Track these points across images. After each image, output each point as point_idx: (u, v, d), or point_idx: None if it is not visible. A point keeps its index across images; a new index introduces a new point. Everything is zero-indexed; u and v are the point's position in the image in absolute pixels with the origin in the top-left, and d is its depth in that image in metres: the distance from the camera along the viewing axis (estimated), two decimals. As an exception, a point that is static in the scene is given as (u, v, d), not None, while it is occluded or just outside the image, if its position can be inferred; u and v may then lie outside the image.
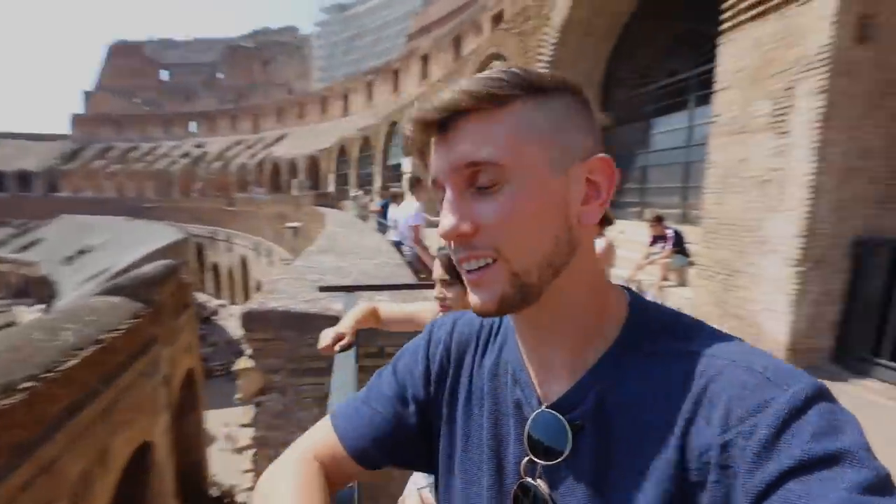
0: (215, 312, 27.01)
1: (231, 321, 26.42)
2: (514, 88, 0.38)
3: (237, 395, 1.98)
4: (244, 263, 26.06)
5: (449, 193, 0.40)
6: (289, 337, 2.00)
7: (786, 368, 0.35)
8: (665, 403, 0.37)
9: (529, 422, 0.44)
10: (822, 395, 0.33)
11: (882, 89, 4.07)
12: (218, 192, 33.36)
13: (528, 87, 0.39)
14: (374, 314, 1.38)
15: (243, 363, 2.04)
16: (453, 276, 1.21)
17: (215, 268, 29.27)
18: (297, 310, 1.98)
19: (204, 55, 52.61)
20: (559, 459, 0.41)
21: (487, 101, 0.38)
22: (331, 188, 24.22)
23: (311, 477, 0.49)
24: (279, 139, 36.15)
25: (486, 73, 0.40)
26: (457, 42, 21.52)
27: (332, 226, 6.21)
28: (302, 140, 32.98)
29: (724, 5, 4.89)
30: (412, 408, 0.52)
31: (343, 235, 5.13)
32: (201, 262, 29.08)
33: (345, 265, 3.25)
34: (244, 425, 2.01)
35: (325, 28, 49.24)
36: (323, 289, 1.89)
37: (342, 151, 25.03)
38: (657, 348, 0.40)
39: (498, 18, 18.18)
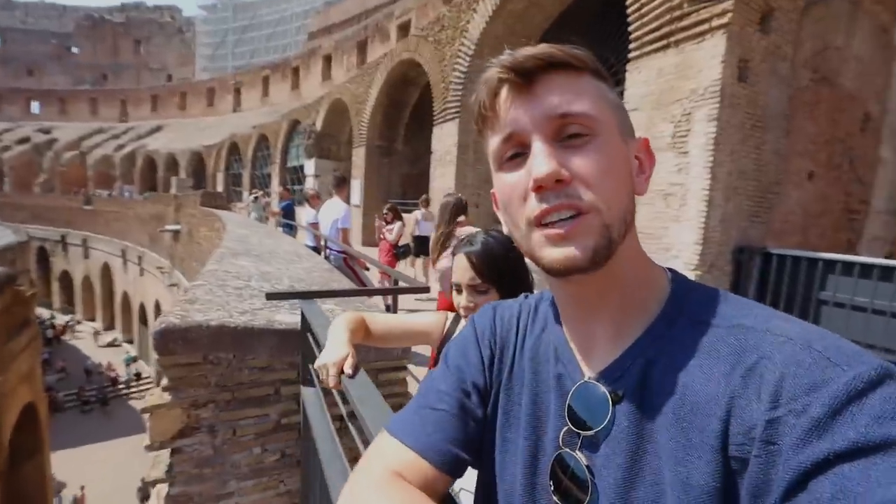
0: (64, 331, 22.53)
1: (87, 341, 22.28)
2: (588, 60, 0.42)
3: (146, 443, 1.48)
4: (107, 272, 22.23)
5: (539, 142, 0.40)
6: (223, 359, 1.56)
7: (849, 349, 0.32)
8: (711, 376, 0.36)
9: (571, 393, 0.44)
10: (891, 379, 0.30)
11: (753, 122, 4.82)
12: (71, 187, 27.98)
13: (594, 64, 0.43)
14: (363, 326, 1.09)
15: (155, 398, 1.54)
16: (490, 277, 1.00)
17: (65, 277, 24.62)
18: (235, 324, 1.56)
19: (52, 23, 43.98)
20: (598, 429, 0.41)
21: (574, 62, 0.41)
22: (220, 188, 21.91)
23: (416, 499, 0.43)
24: (154, 131, 31.68)
25: (552, 45, 0.41)
26: (362, 46, 21.21)
27: (235, 228, 5.44)
28: (183, 133, 29.35)
29: (632, 36, 5.43)
30: (475, 398, 0.50)
31: (254, 238, 4.50)
32: (46, 271, 24.26)
33: (271, 270, 2.77)
34: (154, 481, 1.51)
35: (214, 14, 44.66)
36: (272, 296, 1.50)
37: (234, 149, 22.76)
38: (704, 318, 0.39)
39: (405, 27, 18.30)
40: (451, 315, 1.16)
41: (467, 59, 8.61)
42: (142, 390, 17.40)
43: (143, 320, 19.04)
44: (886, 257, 5.11)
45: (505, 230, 0.47)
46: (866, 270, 3.64)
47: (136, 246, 18.95)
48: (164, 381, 1.54)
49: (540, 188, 0.39)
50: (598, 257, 0.39)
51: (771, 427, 0.31)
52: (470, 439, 0.49)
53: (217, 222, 6.92)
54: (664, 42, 5.02)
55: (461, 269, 1.03)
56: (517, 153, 0.42)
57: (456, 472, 0.48)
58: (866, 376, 0.30)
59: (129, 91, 35.83)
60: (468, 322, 0.58)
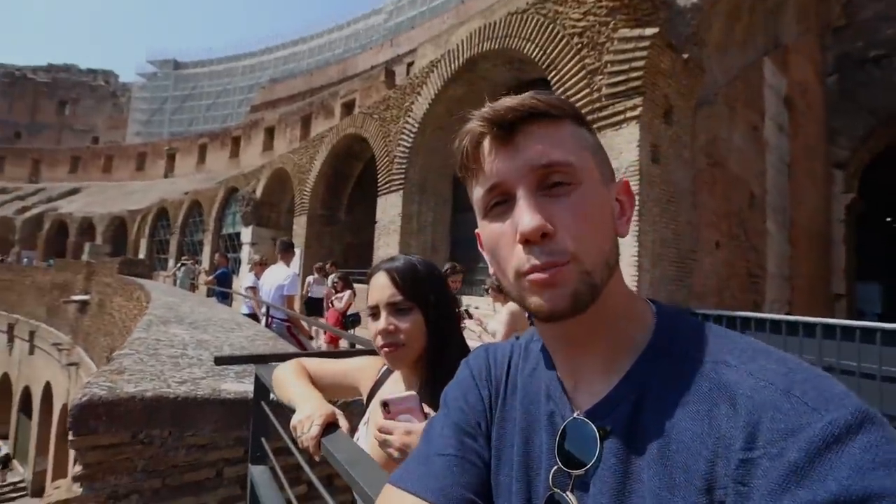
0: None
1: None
2: (567, 107, 0.43)
3: (46, 549, 1.20)
4: (-15, 352, 18.93)
5: (524, 195, 0.40)
6: (156, 438, 1.35)
7: (831, 392, 0.32)
8: (695, 414, 0.36)
9: (560, 431, 0.43)
10: (871, 424, 0.29)
11: (667, 197, 5.48)
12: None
13: (573, 111, 0.44)
14: (305, 373, 1.00)
15: (62, 492, 1.28)
16: (413, 295, 0.87)
17: (-73, 361, 20.58)
18: (175, 394, 1.38)
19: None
20: (587, 467, 0.40)
21: (553, 111, 0.42)
22: (143, 255, 20.27)
23: None
24: (70, 193, 29.28)
25: (532, 94, 0.43)
26: (306, 120, 21.86)
27: (161, 295, 5.00)
28: (104, 197, 27.41)
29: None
30: (481, 440, 0.49)
31: (185, 306, 4.14)
32: None
33: (208, 338, 2.54)
34: None
35: (153, 81, 44.19)
36: (222, 360, 1.36)
37: (162, 214, 21.50)
38: (689, 353, 0.39)
39: (349, 105, 19.26)
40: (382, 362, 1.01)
41: (411, 135, 9.14)
42: (9, 500, 14.15)
43: (26, 409, 16.05)
44: (787, 314, 5.78)
45: (490, 270, 0.48)
46: (775, 326, 4.07)
47: (28, 320, 16.51)
48: (77, 469, 1.30)
49: (527, 241, 0.40)
50: (581, 304, 0.40)
51: (743, 467, 0.31)
52: (481, 482, 0.47)
53: (137, 291, 6.30)
54: (587, 128, 5.74)
55: (379, 288, 0.89)
56: (500, 202, 0.43)
57: None
58: (843, 421, 0.30)
59: (45, 151, 33.37)
60: (462, 365, 0.57)
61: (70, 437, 1.27)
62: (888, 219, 12.84)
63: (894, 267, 12.03)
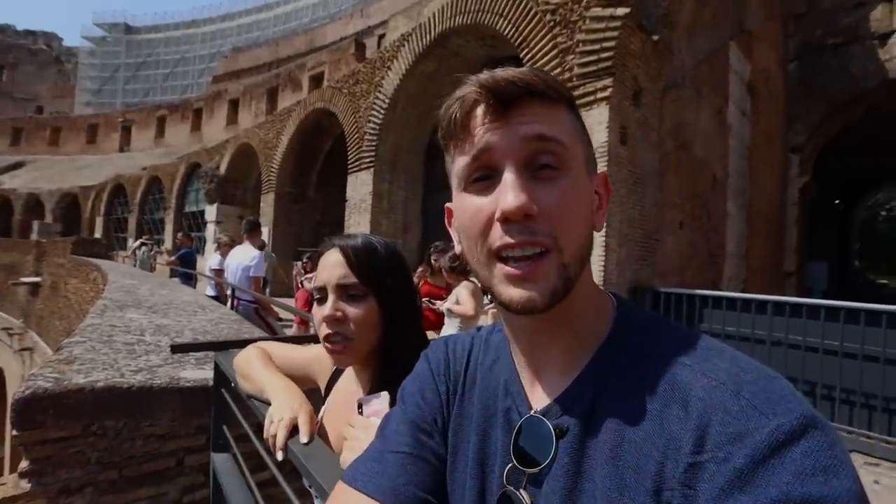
0: None
1: None
2: (563, 91, 0.42)
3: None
4: (-75, 338, 17.75)
5: (512, 171, 0.39)
6: (109, 429, 1.29)
7: (778, 394, 0.32)
8: (648, 414, 0.35)
9: (517, 428, 0.42)
10: (814, 429, 0.30)
11: (634, 178, 5.59)
12: None
13: (568, 95, 0.43)
14: (270, 360, 0.92)
15: (8, 488, 1.21)
16: (369, 278, 0.76)
17: None
18: (129, 384, 1.32)
19: None
20: (541, 466, 0.39)
21: (551, 92, 0.40)
22: (99, 234, 19.24)
23: None
24: (13, 167, 27.25)
25: (532, 70, 0.41)
26: (272, 93, 20.96)
27: (120, 278, 4.77)
28: (52, 172, 25.65)
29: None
30: (437, 437, 0.48)
31: (144, 288, 3.97)
32: None
33: (168, 322, 2.45)
34: None
35: (103, 47, 40.98)
36: (178, 348, 1.31)
37: (119, 191, 20.36)
38: (645, 350, 0.39)
39: (317, 78, 18.54)
40: None
41: (382, 112, 8.91)
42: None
43: (-24, 396, 15.25)
44: (741, 292, 6.10)
45: (457, 248, 0.46)
46: (731, 303, 4.28)
47: (-27, 303, 15.51)
48: (23, 465, 1.23)
49: (507, 220, 0.38)
50: (556, 298, 0.39)
51: (691, 471, 0.31)
52: (436, 481, 0.46)
53: (94, 272, 5.98)
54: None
55: (329, 267, 0.76)
56: (484, 176, 0.41)
57: None
58: (788, 427, 0.30)
59: (-18, 121, 30.76)
60: (421, 357, 0.55)
61: (14, 433, 1.20)
62: (836, 201, 13.63)
63: (840, 247, 12.84)
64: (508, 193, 0.38)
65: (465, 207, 0.42)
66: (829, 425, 0.31)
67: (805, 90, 9.22)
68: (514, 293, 0.39)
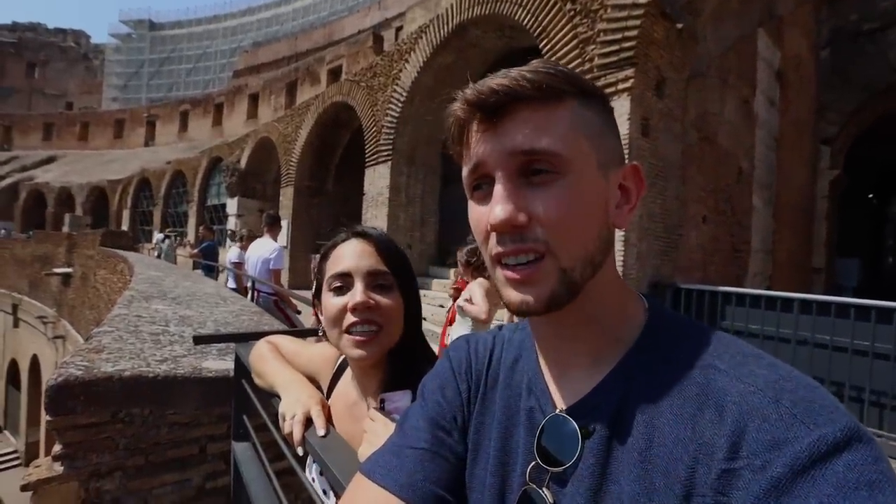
0: None
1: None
2: (568, 85, 0.39)
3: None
4: (-35, 325, 18.67)
5: (501, 181, 0.39)
6: (136, 417, 1.35)
7: (820, 404, 0.31)
8: (680, 418, 0.35)
9: (540, 427, 0.42)
10: (858, 443, 0.29)
11: (656, 171, 5.46)
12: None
13: (578, 87, 0.40)
14: (280, 354, 0.92)
15: (42, 470, 1.27)
16: (395, 267, 0.76)
17: None
18: (155, 373, 1.37)
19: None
20: (566, 465, 0.39)
21: (545, 92, 0.38)
22: (125, 226, 19.87)
23: None
24: (45, 162, 28.27)
25: (538, 64, 0.40)
26: (291, 87, 21.16)
27: (145, 269, 4.92)
28: (82, 166, 26.54)
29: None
30: (456, 434, 0.48)
31: (168, 280, 4.09)
32: None
33: (192, 314, 2.52)
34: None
35: (127, 43, 42.01)
36: (200, 339, 1.34)
37: (144, 184, 20.94)
38: (678, 355, 0.38)
39: (336, 72, 18.63)
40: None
41: (399, 105, 8.90)
42: (1, 469, 14.28)
43: (14, 381, 16.02)
44: (766, 289, 5.92)
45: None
46: (755, 301, 4.16)
47: (10, 292, 16.23)
48: (57, 449, 1.29)
49: (496, 230, 0.39)
50: (555, 302, 0.39)
51: (725, 477, 0.30)
52: (453, 478, 0.47)
53: (121, 264, 6.19)
54: (578, 100, 5.64)
55: (356, 255, 0.73)
56: (482, 185, 0.41)
57: None
58: (831, 438, 0.29)
59: (16, 116, 31.92)
60: (443, 354, 0.55)
61: (47, 418, 1.26)
62: (870, 195, 13.06)
63: (874, 242, 12.34)
64: (496, 206, 0.38)
65: (472, 214, 0.43)
66: (873, 440, 0.30)
67: (838, 78, 8.84)
68: (512, 296, 0.39)
